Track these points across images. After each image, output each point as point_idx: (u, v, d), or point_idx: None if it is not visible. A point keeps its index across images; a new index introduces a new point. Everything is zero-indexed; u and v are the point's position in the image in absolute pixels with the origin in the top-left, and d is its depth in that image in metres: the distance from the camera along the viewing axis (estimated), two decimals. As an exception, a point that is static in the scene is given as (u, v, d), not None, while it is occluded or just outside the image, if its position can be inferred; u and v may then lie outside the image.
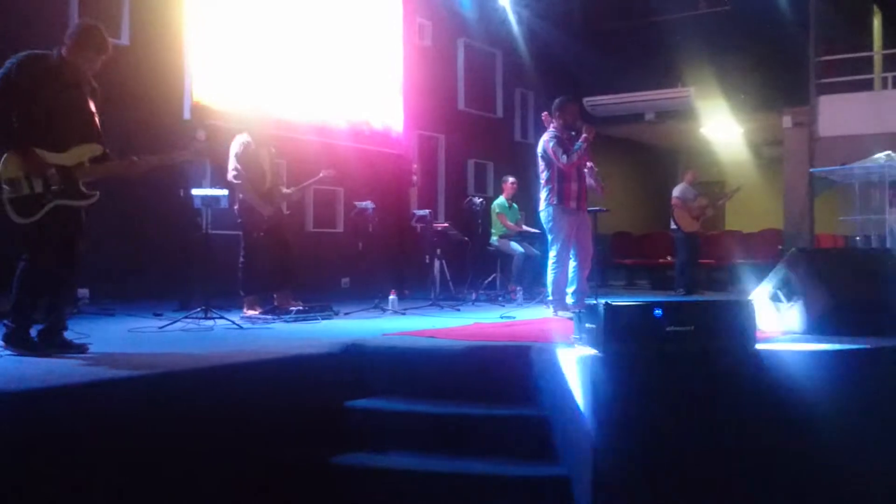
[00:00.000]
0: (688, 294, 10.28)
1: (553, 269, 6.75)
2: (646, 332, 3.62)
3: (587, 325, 3.80)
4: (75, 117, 4.30)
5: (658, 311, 3.63)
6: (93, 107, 4.41)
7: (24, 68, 4.14)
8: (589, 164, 6.79)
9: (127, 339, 5.24)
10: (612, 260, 14.21)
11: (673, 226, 10.86)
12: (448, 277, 9.20)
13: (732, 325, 3.71)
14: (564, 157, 6.65)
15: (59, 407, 3.15)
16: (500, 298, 9.22)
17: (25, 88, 4.12)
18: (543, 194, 6.81)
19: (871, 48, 14.04)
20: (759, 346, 3.76)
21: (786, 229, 12.82)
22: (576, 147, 6.67)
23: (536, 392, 4.17)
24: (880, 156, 6.81)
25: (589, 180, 6.83)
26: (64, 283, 4.39)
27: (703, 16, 13.80)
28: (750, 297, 4.33)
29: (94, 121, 4.40)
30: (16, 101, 4.10)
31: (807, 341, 4.26)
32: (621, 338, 3.58)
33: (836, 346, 4.04)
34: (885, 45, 14.24)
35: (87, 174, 4.31)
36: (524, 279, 9.38)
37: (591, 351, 3.73)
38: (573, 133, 6.82)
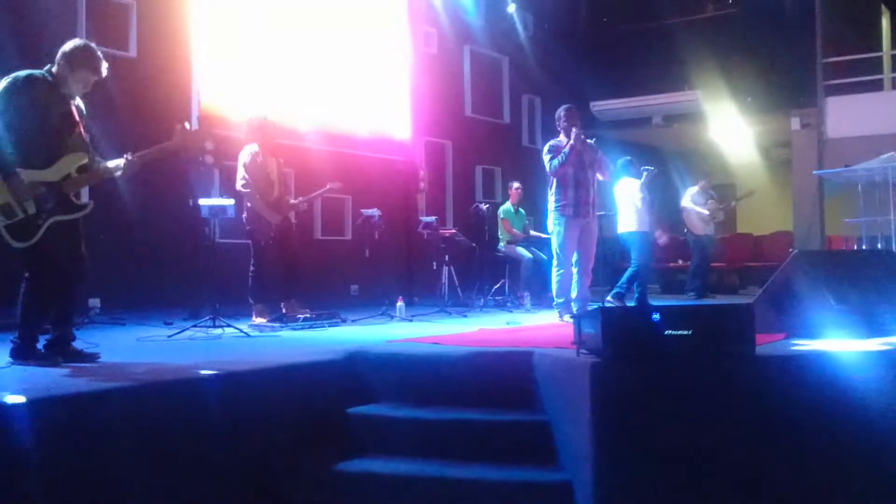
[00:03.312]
0: (698, 298, 10.27)
1: (556, 274, 6.85)
2: (644, 336, 3.61)
3: (586, 330, 3.82)
4: (65, 134, 4.29)
5: (656, 316, 3.63)
6: (77, 116, 4.38)
7: (23, 91, 4.12)
8: (599, 154, 6.90)
9: (134, 347, 5.31)
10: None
11: (685, 229, 10.90)
12: (457, 283, 9.23)
13: (731, 329, 3.70)
14: (548, 165, 6.80)
15: (60, 415, 3.20)
16: (508, 304, 9.25)
17: (24, 113, 4.11)
18: (551, 199, 6.92)
19: (879, 49, 13.97)
20: (759, 351, 3.75)
21: (796, 232, 12.77)
22: (560, 155, 6.75)
23: (538, 397, 4.19)
24: (884, 157, 6.80)
25: (599, 175, 6.92)
26: (70, 295, 4.41)
27: (710, 18, 13.81)
28: (750, 302, 4.32)
29: (80, 132, 4.38)
30: (12, 126, 4.06)
31: (808, 345, 4.24)
32: (619, 342, 3.57)
33: (838, 350, 4.03)
34: (895, 46, 14.16)
35: (77, 185, 4.33)
36: (533, 284, 9.40)
37: (591, 356, 3.75)
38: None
